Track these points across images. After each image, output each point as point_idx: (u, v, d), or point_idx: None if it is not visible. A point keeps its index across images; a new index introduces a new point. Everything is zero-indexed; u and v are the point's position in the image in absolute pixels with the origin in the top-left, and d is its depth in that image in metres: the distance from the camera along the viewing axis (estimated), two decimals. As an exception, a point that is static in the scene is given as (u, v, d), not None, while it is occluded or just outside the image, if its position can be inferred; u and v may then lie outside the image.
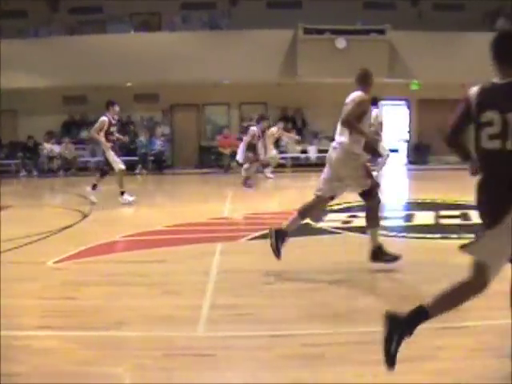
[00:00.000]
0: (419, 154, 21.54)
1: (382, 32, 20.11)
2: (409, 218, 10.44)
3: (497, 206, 3.55)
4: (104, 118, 12.45)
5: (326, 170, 6.93)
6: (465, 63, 19.66)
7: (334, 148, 6.80)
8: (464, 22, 20.80)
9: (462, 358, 4.25)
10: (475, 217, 10.20)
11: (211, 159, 22.04)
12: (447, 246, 8.13)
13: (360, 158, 6.81)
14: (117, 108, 12.76)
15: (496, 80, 3.74)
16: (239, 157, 16.15)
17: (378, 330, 4.71)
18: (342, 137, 6.74)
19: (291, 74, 20.29)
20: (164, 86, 21.17)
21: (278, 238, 6.70)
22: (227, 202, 12.69)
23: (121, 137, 13.19)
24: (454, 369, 4.04)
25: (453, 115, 3.90)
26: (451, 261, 7.24)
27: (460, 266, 7.03)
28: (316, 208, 7.27)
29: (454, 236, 8.61)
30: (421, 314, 3.69)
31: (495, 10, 22.28)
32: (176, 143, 23.25)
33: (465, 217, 10.17)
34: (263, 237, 8.52)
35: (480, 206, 3.79)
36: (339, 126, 6.82)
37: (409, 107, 22.94)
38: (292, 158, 21.34)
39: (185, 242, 8.36)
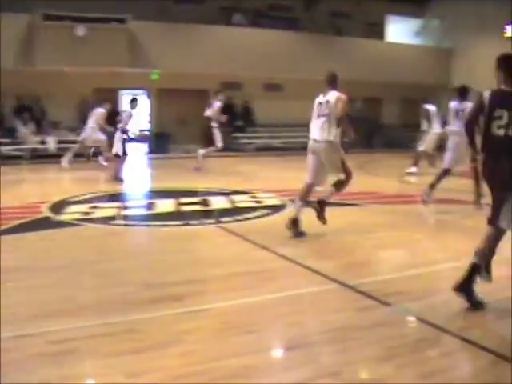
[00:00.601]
0: (160, 143, 21.80)
1: (122, 21, 19.98)
2: (151, 206, 10.52)
3: (500, 174, 5.06)
4: None
5: (313, 161, 8.00)
6: (202, 55, 20.32)
7: (317, 141, 7.90)
8: (203, 15, 21.45)
9: (208, 338, 4.44)
10: (214, 203, 10.68)
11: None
12: (188, 233, 8.39)
13: (341, 151, 7.94)
14: None
15: (503, 87, 5.20)
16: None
17: (126, 319, 4.76)
18: (325, 132, 7.82)
19: (28, 62, 19.38)
20: None
21: (294, 224, 7.80)
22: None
23: None
24: (201, 350, 4.21)
25: (471, 111, 5.75)
26: (193, 246, 7.52)
27: (202, 250, 7.35)
28: (309, 193, 8.14)
29: (195, 222, 8.89)
30: (476, 268, 5.08)
31: (232, 5, 23.29)
32: None
33: (205, 203, 10.56)
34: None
35: (490, 176, 5.26)
36: (323, 123, 7.85)
37: (149, 97, 23.11)
38: (30, 149, 20.40)
39: None
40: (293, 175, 15.42)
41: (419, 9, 26.99)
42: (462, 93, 10.52)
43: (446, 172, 10.51)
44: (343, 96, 7.90)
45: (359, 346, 4.34)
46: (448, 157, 10.47)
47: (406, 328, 4.80)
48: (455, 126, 10.29)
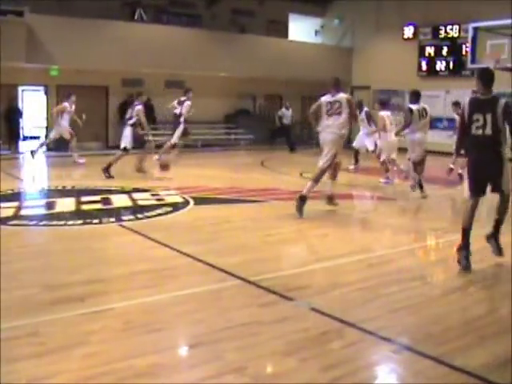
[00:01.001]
0: (59, 140, 21.21)
1: (20, 14, 19.29)
2: (50, 205, 10.26)
3: (486, 165, 6.54)
4: None
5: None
6: (103, 51, 19.98)
7: (330, 133, 9.50)
8: (104, 10, 21.03)
9: (112, 338, 4.42)
10: (115, 201, 10.54)
11: None
12: (90, 232, 8.27)
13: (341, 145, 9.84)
14: None
15: (479, 95, 6.67)
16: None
17: (29, 322, 4.66)
18: (338, 128, 9.47)
19: None
20: None
21: (302, 202, 9.14)
22: None
23: None
24: (106, 350, 4.18)
25: (460, 123, 6.99)
26: (94, 246, 7.42)
27: (104, 249, 7.26)
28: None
29: (96, 221, 8.78)
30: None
31: (134, 0, 22.98)
32: None
33: (105, 201, 10.42)
34: None
35: (474, 165, 6.70)
36: (336, 119, 9.47)
37: (47, 93, 22.52)
38: None
39: None
40: (194, 172, 15.50)
41: (320, 8, 27.53)
42: (417, 95, 11.74)
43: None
44: (351, 97, 10.03)
45: (263, 341, 4.42)
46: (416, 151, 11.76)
47: (309, 322, 4.91)
48: (417, 125, 11.51)
